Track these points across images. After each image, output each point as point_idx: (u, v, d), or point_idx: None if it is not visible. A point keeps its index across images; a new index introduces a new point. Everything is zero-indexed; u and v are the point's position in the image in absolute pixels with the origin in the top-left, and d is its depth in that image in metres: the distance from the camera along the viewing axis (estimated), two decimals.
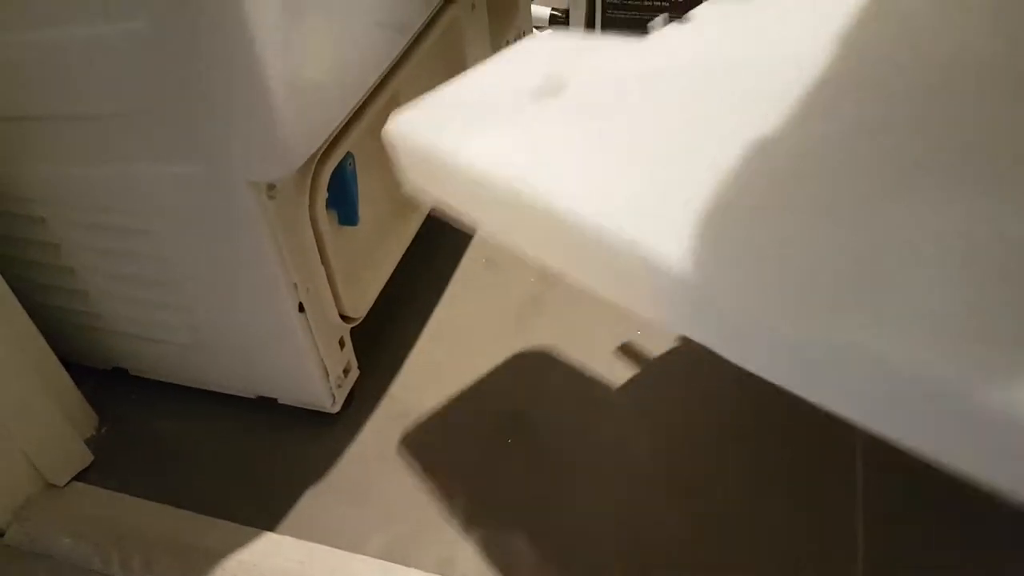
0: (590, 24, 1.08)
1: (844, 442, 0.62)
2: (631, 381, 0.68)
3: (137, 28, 0.46)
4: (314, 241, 0.57)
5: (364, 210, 0.64)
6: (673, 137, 0.39)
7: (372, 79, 0.60)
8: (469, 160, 0.40)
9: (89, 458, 0.66)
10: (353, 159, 0.60)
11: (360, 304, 0.64)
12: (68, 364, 0.65)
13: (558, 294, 0.77)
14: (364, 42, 0.58)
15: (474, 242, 0.83)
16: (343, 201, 0.61)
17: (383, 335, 0.72)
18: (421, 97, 0.47)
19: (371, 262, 0.68)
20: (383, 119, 0.65)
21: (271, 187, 0.52)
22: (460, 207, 0.42)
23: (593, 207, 0.35)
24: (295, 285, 0.56)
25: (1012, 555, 0.55)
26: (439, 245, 0.82)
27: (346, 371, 0.65)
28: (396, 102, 0.66)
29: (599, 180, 0.37)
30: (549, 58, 0.49)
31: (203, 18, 0.45)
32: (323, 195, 0.57)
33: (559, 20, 1.12)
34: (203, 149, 0.51)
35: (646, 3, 1.03)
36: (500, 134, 0.41)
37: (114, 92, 0.50)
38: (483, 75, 0.48)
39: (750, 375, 0.32)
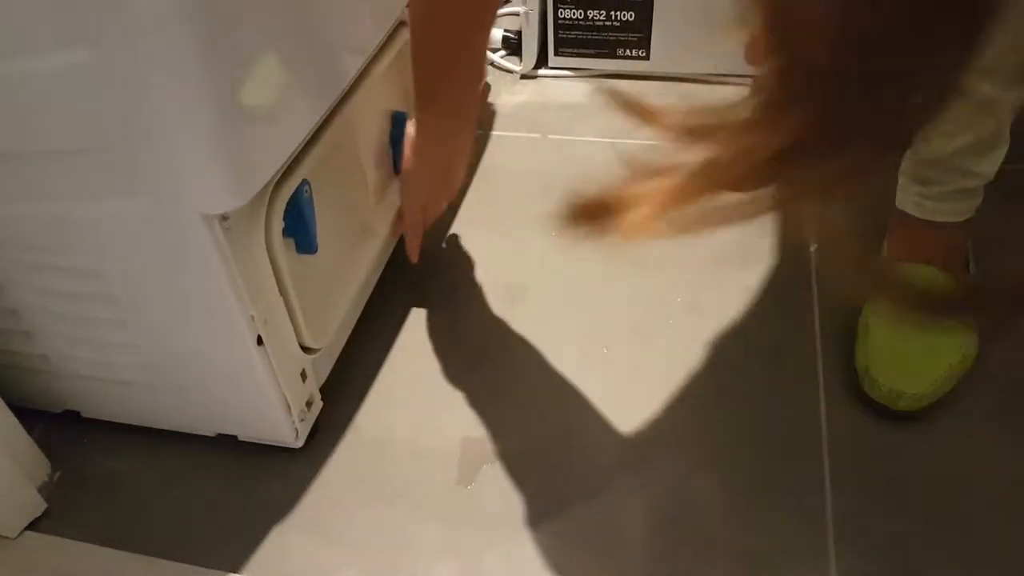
0: (543, 45, 1.06)
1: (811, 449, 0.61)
2: (600, 402, 0.66)
3: (79, 60, 0.43)
4: (271, 272, 0.54)
5: (323, 237, 0.61)
6: None
7: (326, 104, 0.58)
8: None
9: (42, 506, 0.61)
10: (309, 186, 0.57)
11: (322, 334, 0.60)
12: (16, 408, 0.60)
13: (523, 316, 0.74)
14: (317, 67, 0.56)
15: (436, 266, 0.80)
16: (300, 229, 0.58)
17: (347, 363, 0.69)
18: None
19: (332, 290, 0.65)
20: (339, 144, 0.63)
21: (224, 218, 0.49)
22: None
23: None
24: (252, 318, 0.53)
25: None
26: (400, 268, 0.79)
27: (309, 404, 0.62)
28: (351, 126, 0.64)
29: None
30: None
31: (147, 47, 0.42)
32: (279, 224, 0.54)
33: (512, 42, 1.10)
34: (150, 182, 0.48)
35: (597, 23, 1.03)
36: None
37: (55, 126, 0.47)
38: None
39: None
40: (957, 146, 0.65)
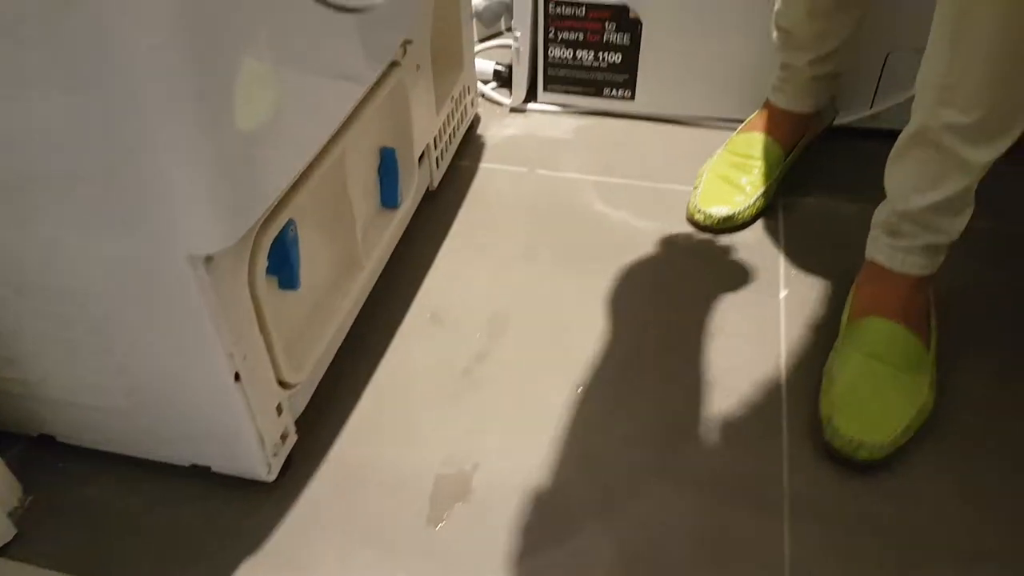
0: (533, 80, 1.07)
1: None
2: (574, 442, 0.66)
3: (75, 101, 0.42)
4: (252, 310, 0.53)
5: (305, 271, 0.60)
6: None
7: (316, 145, 0.57)
8: None
9: (12, 531, 0.59)
10: (295, 225, 0.57)
11: (299, 369, 0.60)
12: None
13: (503, 348, 0.74)
14: (308, 109, 0.55)
15: (419, 296, 0.80)
16: (284, 267, 0.57)
17: (324, 393, 0.68)
18: None
19: (312, 325, 0.64)
20: (327, 181, 0.63)
21: (209, 259, 0.48)
22: None
23: None
24: (231, 355, 0.52)
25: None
26: (383, 298, 0.78)
27: (284, 436, 0.61)
28: (340, 163, 0.63)
29: None
30: None
31: (141, 93, 0.41)
32: (263, 263, 0.53)
33: (502, 75, 1.10)
34: (138, 220, 0.47)
35: (585, 63, 1.03)
36: None
37: (45, 157, 0.46)
38: None
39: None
40: (929, 203, 0.66)
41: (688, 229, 0.88)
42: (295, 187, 0.56)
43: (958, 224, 0.68)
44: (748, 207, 0.86)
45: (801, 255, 0.84)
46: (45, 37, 0.40)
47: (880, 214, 0.72)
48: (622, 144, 1.01)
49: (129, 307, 0.52)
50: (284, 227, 0.55)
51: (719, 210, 0.86)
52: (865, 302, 0.72)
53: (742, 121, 0.94)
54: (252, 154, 0.48)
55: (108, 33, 0.39)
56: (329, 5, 0.53)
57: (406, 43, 0.73)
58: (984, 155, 0.63)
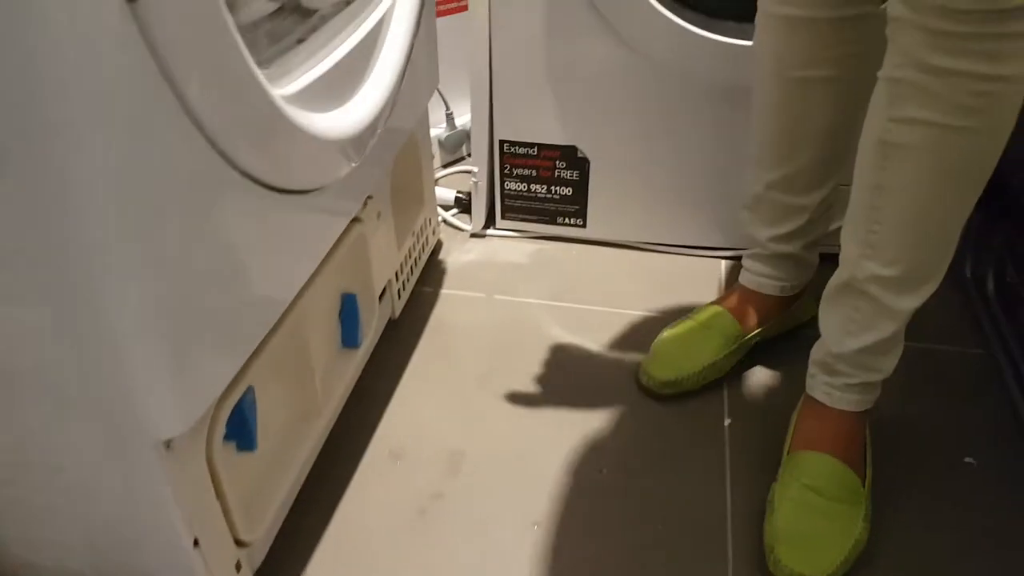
0: (491, 208, 1.12)
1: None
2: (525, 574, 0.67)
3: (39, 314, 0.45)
4: (210, 480, 0.55)
5: (264, 429, 0.62)
6: None
7: (276, 314, 0.59)
8: None
9: None
10: (253, 390, 0.59)
11: (257, 526, 0.61)
12: None
13: (459, 486, 0.76)
14: (268, 285, 0.57)
15: (379, 431, 0.82)
16: (242, 431, 0.59)
17: (283, 540, 0.69)
18: None
19: (269, 479, 0.65)
20: (287, 341, 0.65)
21: (168, 441, 0.50)
22: None
23: None
24: (190, 523, 0.54)
25: None
26: (343, 434, 0.80)
27: None
28: (301, 323, 0.66)
29: None
30: None
31: (102, 301, 0.43)
32: (220, 434, 0.55)
33: (463, 202, 1.15)
34: (99, 408, 0.49)
35: (539, 195, 1.09)
36: None
37: (13, 354, 0.48)
38: None
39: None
40: (860, 346, 0.69)
41: (638, 356, 0.91)
42: (254, 355, 0.58)
43: (889, 363, 0.71)
44: (693, 374, 0.84)
45: (744, 383, 0.87)
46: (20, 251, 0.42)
47: (816, 353, 0.75)
48: (576, 269, 1.06)
49: (91, 480, 0.54)
50: (243, 395, 0.57)
51: (664, 375, 0.85)
52: (803, 436, 0.75)
53: (688, 247, 0.98)
54: (209, 340, 0.50)
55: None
56: (286, 191, 0.57)
57: (368, 199, 0.77)
58: (909, 303, 0.66)
